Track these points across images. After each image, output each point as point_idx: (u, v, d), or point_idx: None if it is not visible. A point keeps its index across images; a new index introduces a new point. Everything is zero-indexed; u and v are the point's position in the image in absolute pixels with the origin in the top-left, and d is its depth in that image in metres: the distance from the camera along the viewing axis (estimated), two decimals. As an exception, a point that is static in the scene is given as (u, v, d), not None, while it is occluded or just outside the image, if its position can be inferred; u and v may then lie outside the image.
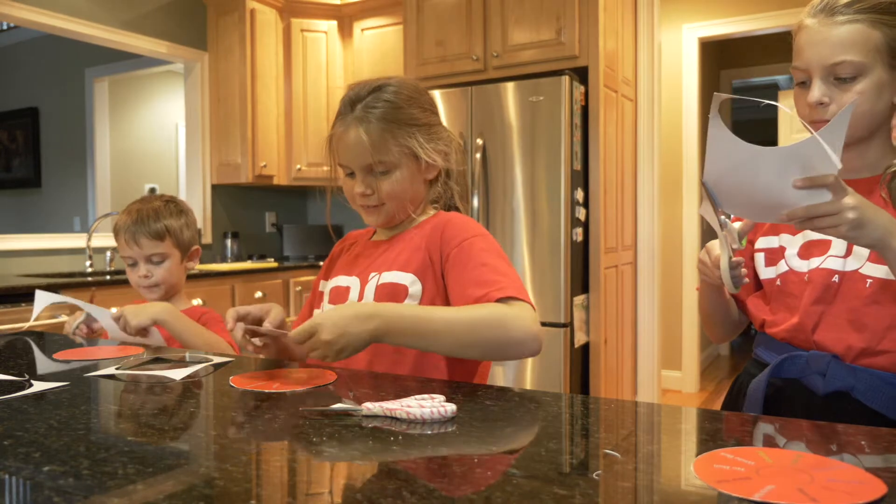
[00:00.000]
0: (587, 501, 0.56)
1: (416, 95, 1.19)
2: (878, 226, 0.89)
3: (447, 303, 1.13)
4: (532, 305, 1.05)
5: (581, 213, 3.12)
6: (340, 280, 1.24)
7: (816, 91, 1.04)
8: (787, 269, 1.12)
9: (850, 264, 1.04)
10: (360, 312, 0.99)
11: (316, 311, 1.27)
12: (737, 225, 1.06)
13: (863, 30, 1.01)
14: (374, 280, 1.17)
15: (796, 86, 1.09)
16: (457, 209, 1.28)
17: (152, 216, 1.60)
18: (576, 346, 3.06)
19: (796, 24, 1.09)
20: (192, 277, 3.23)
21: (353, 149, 1.14)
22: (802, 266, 1.09)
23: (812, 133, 0.85)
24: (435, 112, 1.23)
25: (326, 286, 1.27)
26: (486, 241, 1.14)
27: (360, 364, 1.14)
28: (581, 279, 3.14)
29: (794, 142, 0.88)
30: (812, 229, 0.92)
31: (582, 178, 3.13)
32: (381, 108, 1.14)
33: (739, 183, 0.93)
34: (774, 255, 1.15)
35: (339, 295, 1.21)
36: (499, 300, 1.03)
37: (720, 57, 5.40)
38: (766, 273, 1.15)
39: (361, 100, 1.15)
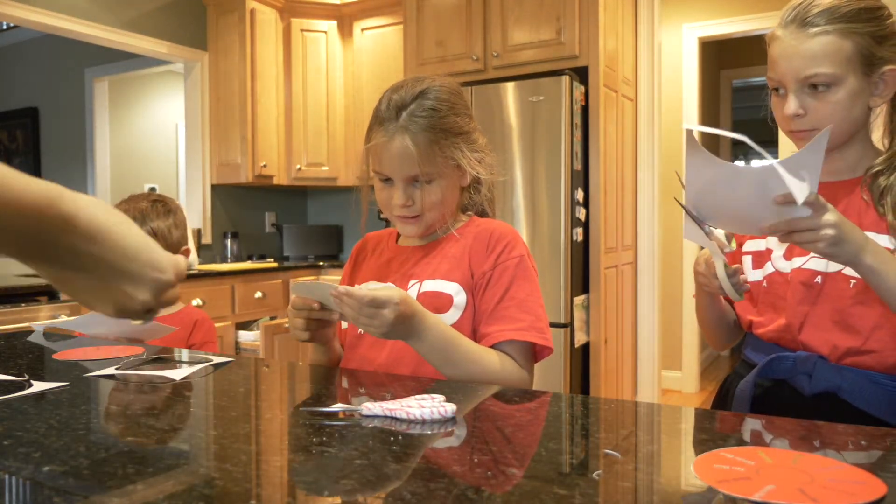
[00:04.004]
0: (587, 501, 0.56)
1: (456, 100, 1.15)
2: (852, 243, 0.91)
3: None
4: (547, 343, 1.11)
5: (581, 213, 3.11)
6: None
7: (792, 104, 1.06)
8: (772, 270, 1.13)
9: (833, 265, 1.04)
10: (421, 316, 1.01)
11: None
12: (721, 232, 1.07)
13: (834, 41, 1.02)
14: (415, 288, 1.14)
15: (773, 93, 1.11)
16: (486, 214, 1.26)
17: (138, 218, 1.52)
18: (576, 346, 3.05)
19: (769, 33, 1.10)
20: (191, 277, 3.23)
21: (397, 159, 1.10)
22: (786, 267, 1.11)
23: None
24: (471, 114, 1.19)
25: None
26: (524, 268, 1.14)
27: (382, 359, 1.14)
28: (581, 279, 3.14)
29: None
30: (792, 243, 0.94)
31: (582, 178, 3.13)
32: (426, 117, 1.10)
33: (721, 198, 0.95)
34: (761, 258, 1.16)
35: None
36: (515, 342, 1.08)
37: (720, 57, 5.40)
38: (752, 275, 1.17)
39: (406, 106, 1.10)
